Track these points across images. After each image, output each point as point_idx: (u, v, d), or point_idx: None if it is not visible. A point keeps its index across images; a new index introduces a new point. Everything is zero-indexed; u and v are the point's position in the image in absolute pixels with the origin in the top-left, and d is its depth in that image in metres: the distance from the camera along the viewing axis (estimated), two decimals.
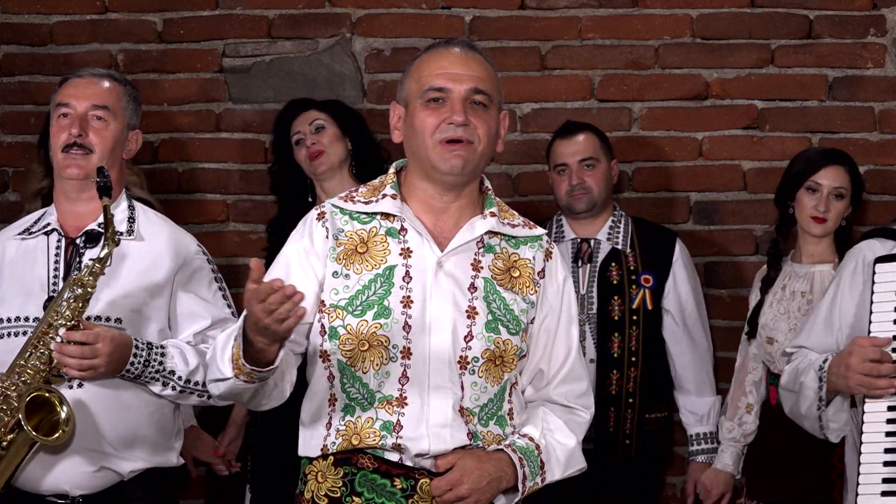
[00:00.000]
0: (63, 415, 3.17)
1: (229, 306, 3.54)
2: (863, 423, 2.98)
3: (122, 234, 3.35)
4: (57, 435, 3.16)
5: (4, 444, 3.15)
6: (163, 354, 3.30)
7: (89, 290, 3.20)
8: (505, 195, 4.50)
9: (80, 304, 3.19)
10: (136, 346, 3.25)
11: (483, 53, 2.95)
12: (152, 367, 3.28)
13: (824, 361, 3.08)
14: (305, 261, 2.91)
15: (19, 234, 3.39)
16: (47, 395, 3.17)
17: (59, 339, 3.17)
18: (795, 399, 3.16)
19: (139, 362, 3.25)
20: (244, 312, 2.70)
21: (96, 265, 3.20)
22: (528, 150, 4.70)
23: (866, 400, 2.98)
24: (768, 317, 4.22)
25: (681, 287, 4.40)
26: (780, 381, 3.26)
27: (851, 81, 4.63)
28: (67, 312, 3.19)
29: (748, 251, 4.68)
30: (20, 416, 3.13)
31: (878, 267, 3.02)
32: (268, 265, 4.38)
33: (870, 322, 3.01)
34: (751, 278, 4.43)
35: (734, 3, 4.68)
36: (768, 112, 4.67)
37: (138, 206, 3.49)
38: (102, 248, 3.22)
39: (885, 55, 4.61)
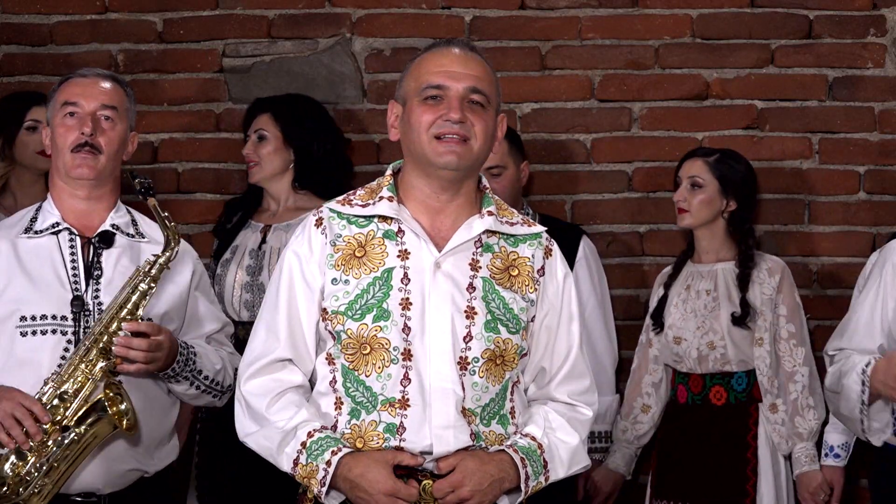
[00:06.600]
0: (123, 406, 3.17)
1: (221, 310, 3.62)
2: None
3: (132, 236, 3.36)
4: (130, 425, 3.16)
5: (75, 436, 3.14)
6: (194, 353, 3.33)
7: (153, 285, 3.22)
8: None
9: (143, 300, 3.22)
10: (179, 344, 3.28)
11: (482, 55, 2.96)
12: (189, 366, 3.30)
13: (867, 365, 3.06)
14: (307, 269, 2.91)
15: (23, 232, 3.36)
16: (109, 392, 3.17)
17: (122, 333, 3.17)
18: (838, 400, 3.13)
19: (182, 359, 3.28)
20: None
21: (160, 262, 3.23)
22: (528, 150, 4.68)
23: None
24: (675, 317, 4.22)
25: (582, 286, 4.29)
26: (825, 383, 3.24)
27: (851, 81, 4.63)
28: (130, 306, 3.20)
29: None
30: (104, 402, 3.13)
31: None
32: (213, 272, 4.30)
33: None
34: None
35: (734, 3, 4.67)
36: (768, 112, 4.67)
37: (131, 209, 3.49)
38: (166, 247, 3.24)
39: (885, 55, 4.61)
